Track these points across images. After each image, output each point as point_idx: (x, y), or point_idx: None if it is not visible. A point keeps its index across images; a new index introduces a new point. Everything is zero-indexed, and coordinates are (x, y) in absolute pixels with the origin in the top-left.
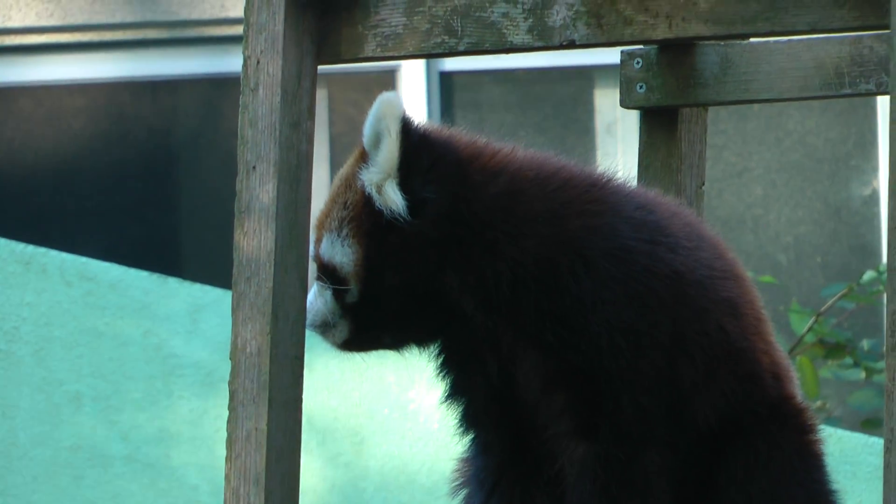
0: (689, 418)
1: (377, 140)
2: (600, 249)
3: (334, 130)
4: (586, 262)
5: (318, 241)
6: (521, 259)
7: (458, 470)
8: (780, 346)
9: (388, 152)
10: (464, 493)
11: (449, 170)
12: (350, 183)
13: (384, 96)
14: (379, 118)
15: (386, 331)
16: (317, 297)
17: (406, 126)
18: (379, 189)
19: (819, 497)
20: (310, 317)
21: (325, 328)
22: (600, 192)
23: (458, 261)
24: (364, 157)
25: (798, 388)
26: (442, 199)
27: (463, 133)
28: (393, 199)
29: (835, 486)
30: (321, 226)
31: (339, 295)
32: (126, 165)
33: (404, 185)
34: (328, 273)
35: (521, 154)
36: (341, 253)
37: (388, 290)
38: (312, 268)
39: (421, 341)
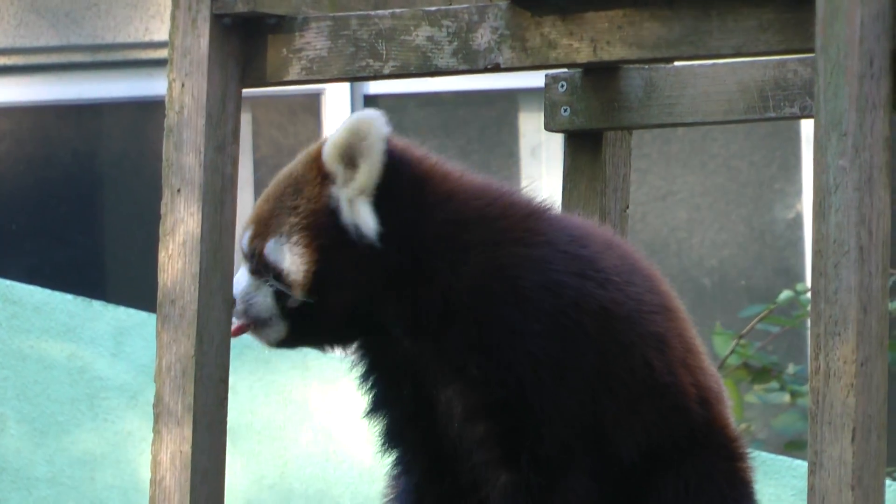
0: (612, 451)
1: (353, 156)
2: (532, 281)
3: (258, 154)
4: (517, 292)
5: (260, 237)
6: (456, 287)
7: (388, 487)
8: (713, 371)
9: (369, 172)
10: None
11: (409, 192)
12: (302, 188)
13: (366, 114)
14: (359, 136)
15: (319, 335)
16: (254, 291)
17: (389, 148)
18: (351, 206)
19: None
20: (249, 309)
21: (260, 324)
22: (537, 222)
23: (398, 286)
24: (322, 167)
25: (731, 413)
26: (403, 224)
27: (416, 148)
28: (365, 219)
29: None
30: (264, 224)
31: (280, 296)
32: (51, 188)
33: (378, 206)
34: (270, 272)
35: (468, 178)
36: (290, 260)
37: (331, 302)
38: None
39: (348, 345)
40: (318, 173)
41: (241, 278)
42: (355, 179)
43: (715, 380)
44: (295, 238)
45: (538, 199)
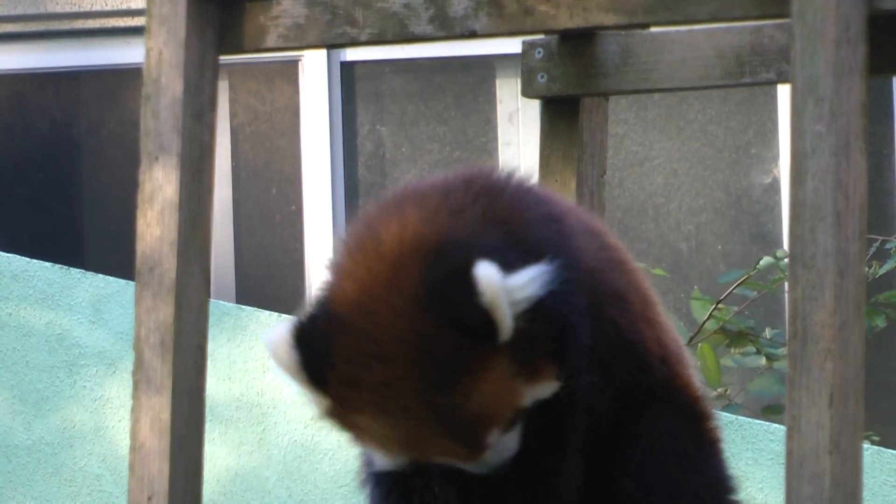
0: (592, 421)
1: None
2: None
3: (235, 121)
4: None
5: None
6: None
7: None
8: (671, 326)
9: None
10: (370, 485)
11: None
12: None
13: None
14: None
15: None
16: None
17: None
18: None
19: (716, 484)
20: None
21: None
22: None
23: None
24: None
25: (693, 370)
26: None
27: None
28: None
29: (732, 473)
30: None
31: None
32: (29, 156)
33: None
34: None
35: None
36: None
37: None
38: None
39: None
40: None
41: None
42: None
43: (672, 336)
44: None
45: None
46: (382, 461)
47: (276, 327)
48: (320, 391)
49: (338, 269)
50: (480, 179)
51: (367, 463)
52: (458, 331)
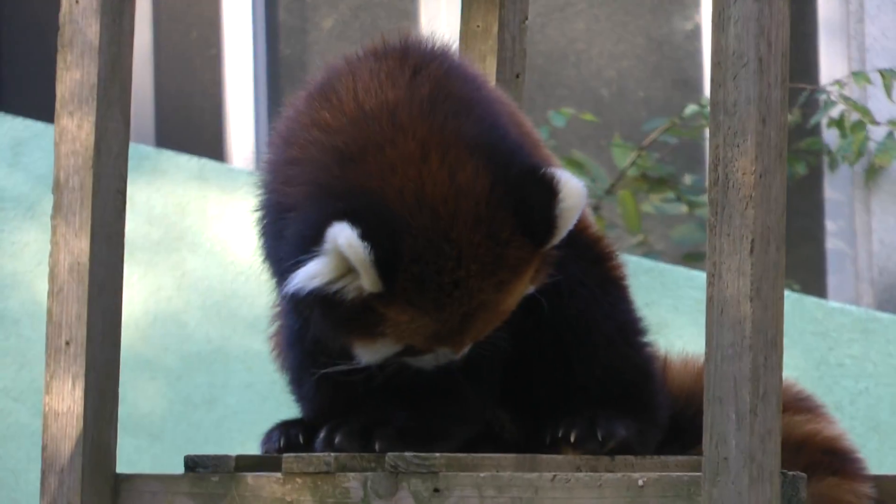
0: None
1: None
2: None
3: None
4: None
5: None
6: None
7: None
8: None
9: None
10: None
11: None
12: None
13: None
14: None
15: None
16: None
17: None
18: None
19: (625, 326)
20: None
21: None
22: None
23: None
24: None
25: (590, 213)
26: None
27: None
28: None
29: (640, 313)
30: None
31: None
32: None
33: None
34: None
35: None
36: None
37: None
38: None
39: None
40: None
41: None
42: None
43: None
44: None
45: None
46: (382, 352)
47: (341, 224)
48: (385, 283)
49: (362, 156)
50: (433, 69)
51: (285, 326)
52: (527, 234)
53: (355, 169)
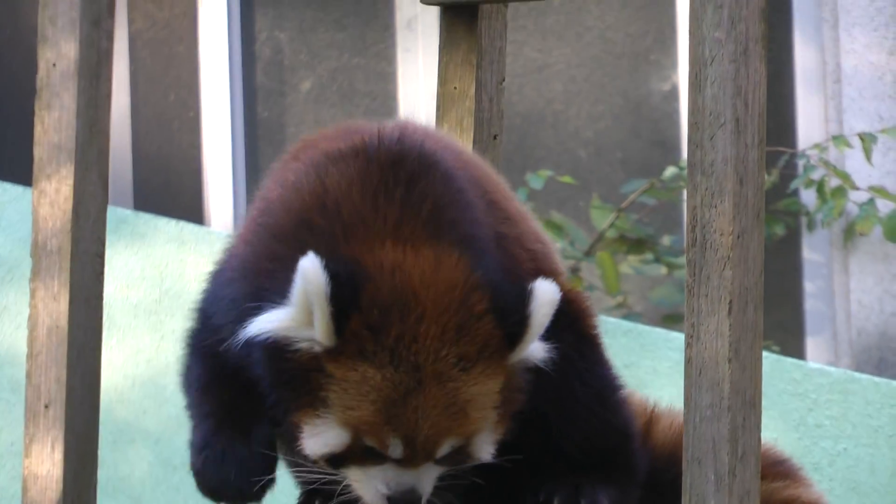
0: None
1: None
2: None
3: (133, 27)
4: None
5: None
6: None
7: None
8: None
9: None
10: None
11: None
12: None
13: None
14: None
15: None
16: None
17: None
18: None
19: (602, 390)
20: None
21: None
22: None
23: None
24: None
25: (560, 266)
26: None
27: None
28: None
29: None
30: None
31: None
32: None
33: None
34: None
35: None
36: None
37: None
38: None
39: None
40: None
41: None
42: None
43: (537, 236)
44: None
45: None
46: (328, 438)
47: (311, 257)
48: (337, 329)
49: (350, 220)
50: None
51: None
52: (499, 325)
53: (333, 239)
